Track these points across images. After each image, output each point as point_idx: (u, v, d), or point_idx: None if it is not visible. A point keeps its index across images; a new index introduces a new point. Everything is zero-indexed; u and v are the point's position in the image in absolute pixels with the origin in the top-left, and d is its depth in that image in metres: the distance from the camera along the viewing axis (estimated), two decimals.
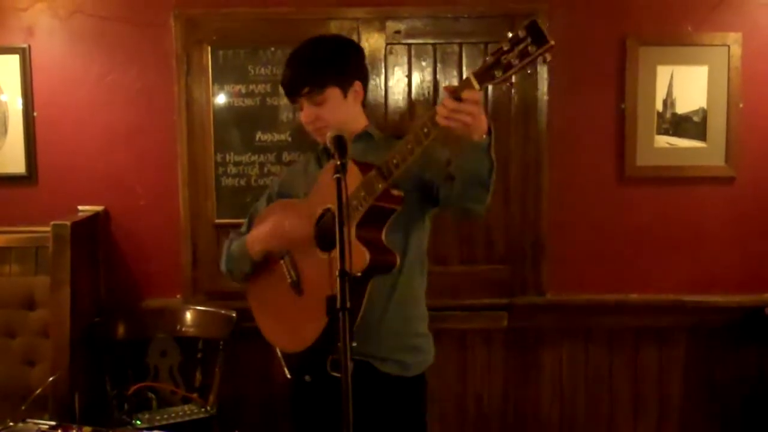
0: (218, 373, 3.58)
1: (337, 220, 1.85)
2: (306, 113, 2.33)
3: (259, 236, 2.40)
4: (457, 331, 3.73)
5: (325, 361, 2.31)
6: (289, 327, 2.42)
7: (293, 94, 2.34)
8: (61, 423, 2.50)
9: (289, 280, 2.36)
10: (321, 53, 2.35)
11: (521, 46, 1.83)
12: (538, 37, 1.81)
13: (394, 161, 2.09)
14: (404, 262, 2.28)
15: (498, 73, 1.87)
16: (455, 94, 1.94)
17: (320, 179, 2.32)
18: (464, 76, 1.99)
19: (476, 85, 1.92)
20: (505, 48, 1.84)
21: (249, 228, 2.52)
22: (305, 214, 2.31)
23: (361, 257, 2.08)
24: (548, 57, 1.84)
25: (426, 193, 2.30)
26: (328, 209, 2.24)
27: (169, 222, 3.73)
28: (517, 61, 1.84)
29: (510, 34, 1.85)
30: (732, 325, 3.76)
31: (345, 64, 2.36)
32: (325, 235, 2.25)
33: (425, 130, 2.02)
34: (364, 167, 2.16)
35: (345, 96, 2.34)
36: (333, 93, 2.31)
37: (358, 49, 2.45)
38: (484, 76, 1.90)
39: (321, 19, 3.65)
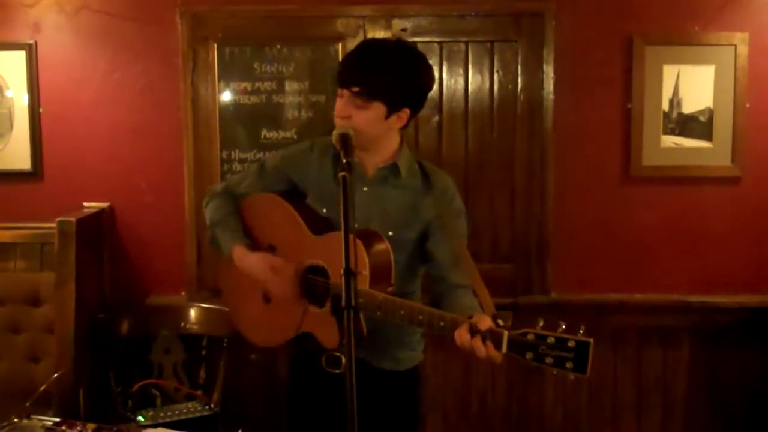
0: (222, 371, 3.58)
1: (342, 217, 1.85)
2: (342, 106, 2.22)
3: (245, 263, 2.37)
4: None
5: (317, 359, 2.33)
6: (259, 322, 2.43)
7: (342, 83, 2.21)
8: (65, 419, 2.49)
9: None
10: (394, 65, 2.19)
11: (563, 354, 1.78)
12: (581, 361, 1.76)
13: (402, 312, 2.04)
14: (397, 270, 2.26)
15: (529, 356, 1.81)
16: (483, 335, 1.89)
17: (333, 236, 2.22)
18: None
19: (504, 349, 1.86)
20: (550, 341, 1.78)
21: (252, 184, 2.48)
22: (302, 251, 2.30)
23: (333, 337, 2.12)
24: (578, 376, 1.79)
25: (422, 247, 2.33)
26: (322, 268, 2.24)
27: (174, 219, 3.74)
28: (550, 361, 1.79)
29: (562, 329, 1.79)
30: (737, 325, 3.75)
31: (406, 89, 2.23)
32: (309, 287, 2.28)
33: (441, 324, 1.98)
34: (372, 252, 2.14)
35: (387, 116, 2.22)
36: (377, 107, 2.19)
37: (429, 80, 2.30)
38: (517, 346, 1.84)
39: (327, 17, 3.65)
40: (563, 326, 1.80)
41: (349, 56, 2.26)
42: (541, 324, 1.83)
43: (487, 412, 3.85)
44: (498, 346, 1.87)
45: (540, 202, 3.71)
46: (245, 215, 2.47)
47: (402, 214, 2.29)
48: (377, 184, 2.32)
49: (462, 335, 1.92)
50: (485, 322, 1.90)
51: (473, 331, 1.90)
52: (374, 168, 2.32)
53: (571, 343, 1.77)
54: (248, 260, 2.36)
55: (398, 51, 2.24)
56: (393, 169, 2.32)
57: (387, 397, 2.37)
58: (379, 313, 2.07)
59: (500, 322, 1.90)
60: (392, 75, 2.18)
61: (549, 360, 1.79)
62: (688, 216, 3.75)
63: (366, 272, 2.10)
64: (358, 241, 2.10)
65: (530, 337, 1.82)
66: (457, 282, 2.26)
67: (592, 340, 1.77)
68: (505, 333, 1.86)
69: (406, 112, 2.25)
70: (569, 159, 3.70)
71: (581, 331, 1.79)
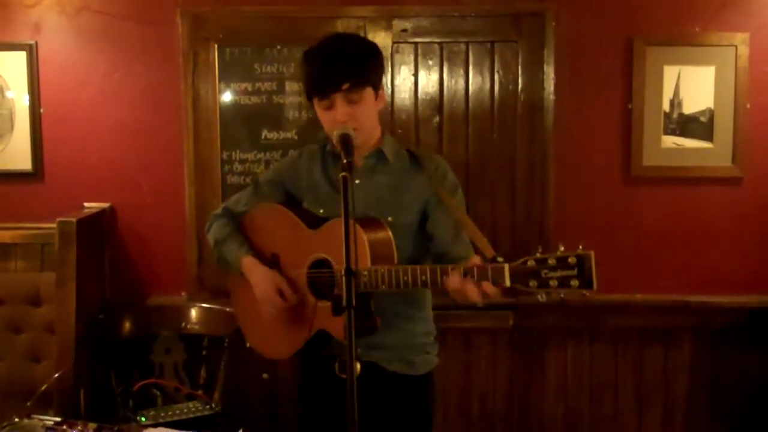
0: (223, 371, 3.58)
1: (343, 217, 1.85)
2: (342, 111, 2.20)
3: (254, 275, 2.38)
4: (462, 329, 3.73)
5: (330, 364, 2.33)
6: (271, 334, 2.43)
7: (331, 89, 2.20)
8: (66, 419, 2.49)
9: None
10: (362, 49, 2.26)
11: (566, 273, 1.77)
12: (585, 276, 1.76)
13: (406, 278, 2.03)
14: (407, 258, 2.27)
15: (533, 284, 1.80)
16: (475, 275, 1.90)
17: (330, 225, 2.25)
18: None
19: (507, 281, 1.85)
20: (551, 263, 1.78)
21: (249, 201, 2.50)
22: (304, 250, 2.31)
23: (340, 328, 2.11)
24: (585, 294, 1.77)
25: (424, 230, 2.34)
26: (325, 260, 2.25)
27: (175, 219, 3.74)
28: (555, 284, 1.78)
29: (561, 251, 1.78)
30: (737, 325, 3.75)
31: (379, 65, 2.29)
32: (315, 283, 2.28)
33: (445, 277, 1.97)
34: (371, 237, 2.14)
35: (375, 98, 2.27)
36: (368, 93, 2.23)
37: (381, 54, 2.35)
38: (519, 276, 1.83)
39: (328, 17, 3.65)
40: (562, 247, 1.79)
41: (317, 69, 2.24)
42: (540, 250, 1.82)
43: (487, 411, 3.85)
44: (500, 279, 1.86)
45: (540, 202, 3.71)
46: (246, 231, 2.49)
47: (397, 198, 2.30)
48: (367, 173, 2.33)
49: (453, 277, 1.95)
50: (474, 260, 1.94)
51: (465, 273, 1.92)
52: (361, 158, 2.33)
53: (571, 260, 1.76)
54: (257, 272, 2.37)
55: (349, 38, 2.37)
56: (379, 155, 2.34)
57: (401, 402, 2.37)
58: (383, 287, 2.06)
59: (500, 259, 1.89)
60: (367, 56, 2.25)
61: (553, 282, 1.78)
62: (688, 216, 3.75)
63: (366, 257, 2.10)
64: (357, 226, 2.10)
65: (531, 263, 1.81)
66: (459, 255, 2.25)
67: (592, 252, 1.75)
68: (506, 265, 1.85)
69: (383, 90, 2.31)
70: (570, 159, 3.70)
71: (580, 247, 1.77)
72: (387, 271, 2.05)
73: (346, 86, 2.18)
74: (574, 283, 1.76)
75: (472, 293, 1.92)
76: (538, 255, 1.81)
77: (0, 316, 3.59)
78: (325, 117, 2.25)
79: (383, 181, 2.32)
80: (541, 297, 1.82)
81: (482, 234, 2.14)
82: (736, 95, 3.66)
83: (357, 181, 2.30)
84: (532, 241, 3.72)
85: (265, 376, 2.50)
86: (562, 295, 1.79)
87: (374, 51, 2.30)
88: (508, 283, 1.85)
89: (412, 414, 2.40)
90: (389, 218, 2.24)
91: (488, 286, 1.90)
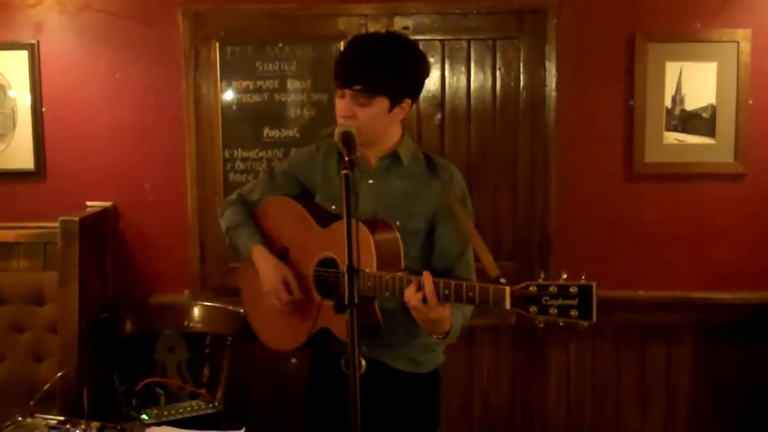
0: (226, 369, 3.59)
1: (345, 216, 1.85)
2: (344, 106, 2.21)
3: (263, 266, 2.38)
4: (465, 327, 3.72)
5: (337, 360, 2.33)
6: (275, 326, 2.44)
7: (343, 83, 2.21)
8: (69, 418, 2.50)
9: None
10: (392, 58, 2.20)
11: (566, 302, 1.78)
12: (585, 307, 1.77)
13: (403, 280, 2.04)
14: (416, 265, 2.26)
15: (533, 310, 1.81)
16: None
17: (339, 225, 2.22)
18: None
19: (508, 305, 1.85)
20: (552, 290, 1.78)
21: (263, 191, 2.51)
22: (312, 247, 2.31)
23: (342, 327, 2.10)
24: (584, 324, 1.78)
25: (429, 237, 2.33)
26: (332, 259, 2.25)
27: (178, 218, 3.74)
28: (554, 312, 1.78)
29: (564, 279, 1.79)
30: (740, 322, 3.75)
31: (407, 79, 2.25)
32: (321, 282, 2.29)
33: (446, 292, 1.98)
34: (378, 238, 2.14)
35: (390, 110, 2.24)
36: (381, 102, 2.21)
37: (426, 68, 2.31)
38: (520, 301, 1.84)
39: (329, 15, 3.64)
40: (565, 275, 1.80)
41: (345, 55, 2.26)
42: (542, 276, 1.83)
43: (490, 408, 3.85)
44: (501, 301, 1.86)
45: (542, 199, 3.70)
46: (259, 221, 2.49)
47: (408, 202, 2.29)
48: (381, 174, 2.32)
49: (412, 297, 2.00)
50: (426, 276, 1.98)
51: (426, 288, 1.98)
52: (376, 159, 2.33)
53: (573, 290, 1.77)
54: (266, 263, 2.37)
55: (392, 43, 2.25)
56: (394, 157, 2.33)
57: (406, 400, 2.37)
58: (387, 293, 2.06)
59: (503, 281, 1.90)
60: (391, 68, 2.19)
61: (553, 311, 1.78)
62: (691, 213, 3.74)
63: (372, 258, 2.09)
64: (363, 227, 2.11)
65: (532, 289, 1.81)
66: (460, 276, 2.26)
67: (594, 284, 1.76)
68: (508, 288, 1.85)
69: (407, 103, 2.28)
70: (572, 156, 3.70)
71: (583, 277, 1.78)
72: (391, 279, 2.05)
73: (357, 88, 2.18)
74: (574, 313, 1.77)
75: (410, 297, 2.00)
76: (540, 281, 1.82)
77: (3, 316, 3.61)
78: (336, 103, 2.26)
79: (396, 184, 2.32)
80: (539, 323, 1.83)
81: (486, 247, 2.14)
82: (738, 91, 3.65)
83: (370, 182, 2.31)
84: (534, 239, 3.73)
85: (294, 360, 2.51)
86: (561, 324, 1.80)
87: (410, 64, 2.24)
88: (508, 306, 1.85)
89: (417, 412, 2.40)
90: (397, 222, 2.24)
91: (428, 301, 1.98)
